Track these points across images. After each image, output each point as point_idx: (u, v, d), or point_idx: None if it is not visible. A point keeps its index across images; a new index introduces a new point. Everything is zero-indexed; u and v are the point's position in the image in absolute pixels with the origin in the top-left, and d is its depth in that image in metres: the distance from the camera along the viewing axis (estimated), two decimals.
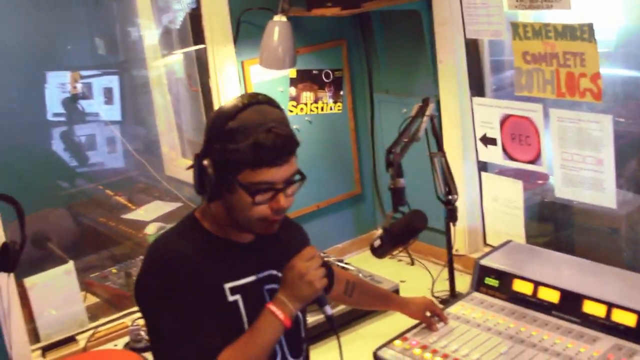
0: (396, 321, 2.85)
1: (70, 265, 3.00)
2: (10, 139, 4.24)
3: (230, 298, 2.05)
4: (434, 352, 2.57)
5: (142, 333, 2.74)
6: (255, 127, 1.94)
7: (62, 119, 4.58)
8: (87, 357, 2.78)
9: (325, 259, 3.25)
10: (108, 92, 4.73)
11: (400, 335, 2.69)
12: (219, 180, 1.97)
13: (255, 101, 2.01)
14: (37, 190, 4.31)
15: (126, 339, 2.80)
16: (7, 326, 2.71)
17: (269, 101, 2.05)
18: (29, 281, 2.90)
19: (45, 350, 2.91)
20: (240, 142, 1.94)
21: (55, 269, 2.98)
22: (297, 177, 2.05)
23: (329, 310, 2.06)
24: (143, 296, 2.00)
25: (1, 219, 2.78)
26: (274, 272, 2.16)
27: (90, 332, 2.97)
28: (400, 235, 2.62)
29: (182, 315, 1.96)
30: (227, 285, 2.06)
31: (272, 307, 1.98)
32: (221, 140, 1.96)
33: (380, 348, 2.65)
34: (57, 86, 4.55)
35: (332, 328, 2.10)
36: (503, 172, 3.28)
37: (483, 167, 3.29)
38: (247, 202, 1.98)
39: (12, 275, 2.72)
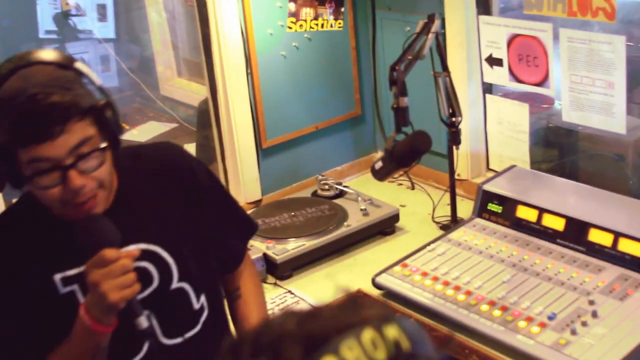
0: (397, 248, 2.78)
1: None
2: (2, 55, 4.14)
3: (63, 290, 1.80)
4: (435, 279, 2.51)
5: None
6: (13, 98, 1.61)
7: (54, 36, 4.48)
8: None
9: (323, 182, 3.17)
10: (101, 9, 4.62)
11: (400, 262, 2.62)
12: (2, 166, 1.67)
13: (23, 64, 1.67)
14: None
15: None
16: None
17: (44, 61, 1.68)
18: None
19: None
20: (0, 120, 1.63)
21: None
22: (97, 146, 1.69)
23: (143, 322, 1.73)
24: None
25: None
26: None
27: None
28: (402, 157, 2.53)
29: (6, 329, 1.80)
30: (59, 276, 1.79)
31: (81, 311, 1.72)
32: None
33: (379, 274, 2.59)
34: (49, 2, 4.44)
35: (151, 343, 1.84)
36: (507, 95, 3.17)
37: (488, 89, 3.18)
38: (37, 189, 1.69)
39: None
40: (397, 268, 2.59)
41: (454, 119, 2.83)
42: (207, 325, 2.00)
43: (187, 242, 1.96)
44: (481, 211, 2.80)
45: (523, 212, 2.68)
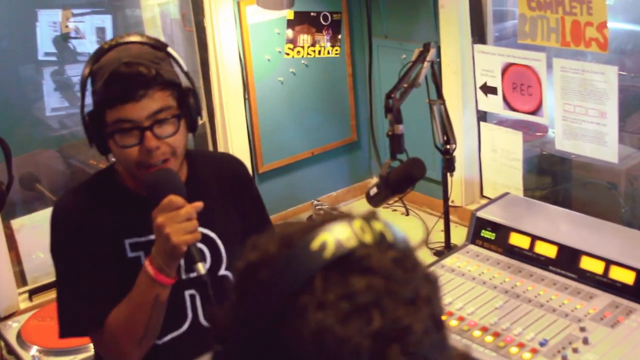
0: None
1: None
2: (2, 77, 4.17)
3: (131, 254, 1.98)
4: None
5: None
6: (109, 65, 1.85)
7: (53, 58, 4.50)
8: None
9: (318, 207, 3.20)
10: (101, 32, 4.64)
11: None
12: (94, 129, 1.89)
13: (122, 42, 1.92)
14: (27, 131, 4.25)
15: None
16: None
17: (141, 41, 1.94)
18: (16, 223, 2.85)
19: (32, 293, 2.87)
20: (96, 83, 1.87)
21: (44, 210, 2.92)
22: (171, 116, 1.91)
23: (202, 268, 1.87)
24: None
25: None
26: None
27: None
28: (397, 183, 2.57)
29: (76, 272, 1.94)
30: (128, 241, 1.97)
31: (146, 262, 1.87)
32: (84, 87, 1.90)
33: None
34: (48, 24, 4.46)
35: (206, 290, 1.93)
36: (502, 123, 3.21)
37: (482, 117, 3.22)
38: (117, 147, 1.88)
39: None
40: None
41: (448, 146, 2.87)
42: None
43: (236, 237, 2.13)
44: (475, 238, 2.83)
45: (516, 239, 2.71)
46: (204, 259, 1.99)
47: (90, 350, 2.41)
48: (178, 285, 1.94)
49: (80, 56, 4.59)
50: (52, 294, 2.81)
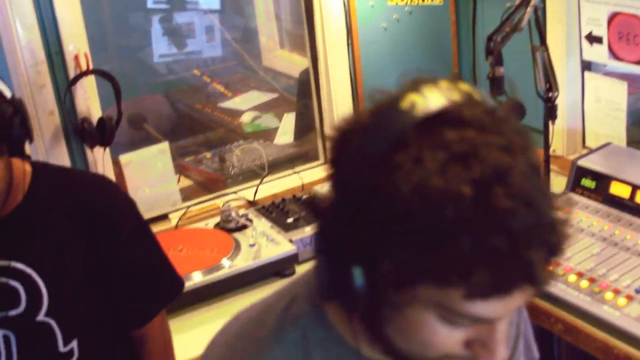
0: None
1: (165, 145, 3.02)
2: (112, 24, 4.29)
3: None
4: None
5: (233, 214, 2.77)
6: None
7: (162, 6, 4.61)
8: (180, 234, 2.82)
9: None
10: None
11: None
12: None
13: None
14: (135, 77, 4.38)
15: (217, 219, 2.83)
16: None
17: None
18: (124, 158, 2.94)
19: None
20: None
21: (150, 147, 3.01)
22: None
23: None
24: None
25: (99, 99, 2.80)
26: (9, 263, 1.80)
27: (183, 211, 3.02)
28: None
29: None
30: None
31: None
32: None
33: None
34: None
35: (25, 333, 1.82)
36: (608, 75, 3.16)
37: (587, 66, 3.17)
38: None
39: (107, 150, 2.76)
40: None
41: (550, 94, 2.85)
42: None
43: (74, 283, 1.87)
44: (574, 186, 2.81)
45: (616, 189, 2.68)
46: (16, 299, 1.78)
47: (194, 279, 2.50)
48: None
49: (188, 4, 4.69)
50: (156, 227, 2.93)
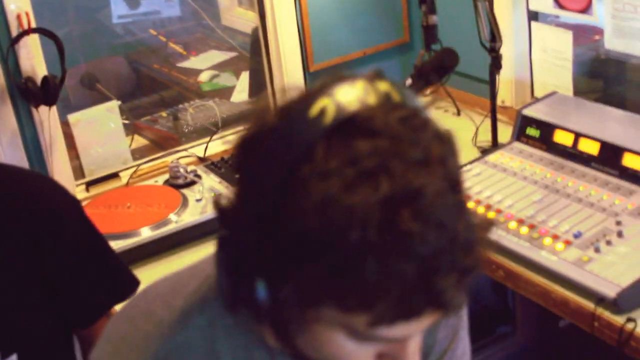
0: None
1: (114, 103, 3.03)
2: None
3: None
4: (467, 198, 2.57)
5: (181, 170, 2.78)
6: None
7: None
8: (128, 191, 2.84)
9: None
10: None
11: None
12: None
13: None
14: (96, 37, 4.37)
15: (167, 176, 2.84)
16: (50, 161, 2.77)
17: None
18: (73, 117, 2.94)
19: (89, 185, 2.98)
20: None
21: (98, 106, 3.02)
22: None
23: None
24: None
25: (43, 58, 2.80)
26: None
27: (133, 169, 3.03)
28: (430, 72, 2.58)
29: None
30: None
31: None
32: None
33: None
34: None
35: None
36: (560, 25, 3.16)
37: (534, 17, 3.19)
38: None
39: (54, 109, 2.76)
40: None
41: (494, 44, 2.86)
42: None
43: (12, 294, 1.70)
44: (520, 135, 2.84)
45: (560, 137, 2.72)
46: None
47: (142, 234, 2.53)
48: None
49: None
50: (107, 186, 2.94)
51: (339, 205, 0.87)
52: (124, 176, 3.02)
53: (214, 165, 2.94)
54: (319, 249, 0.88)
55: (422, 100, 0.98)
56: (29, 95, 2.65)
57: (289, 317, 0.97)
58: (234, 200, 0.99)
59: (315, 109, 0.91)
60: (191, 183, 2.77)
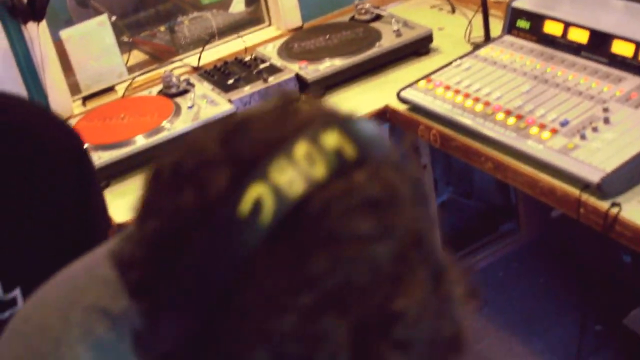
0: (429, 67, 2.83)
1: (104, 17, 3.03)
2: None
3: None
4: (456, 92, 2.58)
5: (174, 79, 2.80)
6: None
7: None
8: (123, 103, 2.87)
9: (360, 7, 3.21)
10: None
11: (426, 77, 2.70)
12: None
13: None
14: None
15: (160, 86, 2.87)
16: (44, 77, 2.79)
17: None
18: (64, 33, 2.95)
19: (86, 99, 3.01)
20: None
21: (89, 20, 3.02)
22: None
23: None
24: None
25: None
26: None
27: (128, 82, 3.05)
28: None
29: None
30: None
31: None
32: None
33: (404, 89, 2.68)
34: None
35: None
36: None
37: None
38: None
39: (43, 25, 2.76)
40: (422, 83, 2.67)
41: None
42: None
43: (11, 226, 1.64)
44: (510, 28, 2.83)
45: (549, 27, 2.70)
46: None
47: (136, 143, 2.57)
48: None
49: None
50: (103, 100, 2.97)
51: (294, 346, 0.68)
52: (120, 89, 3.04)
53: (207, 72, 2.96)
54: None
55: (386, 142, 0.75)
56: (16, 11, 2.65)
57: None
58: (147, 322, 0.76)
59: (246, 204, 0.68)
60: (184, 92, 2.79)
